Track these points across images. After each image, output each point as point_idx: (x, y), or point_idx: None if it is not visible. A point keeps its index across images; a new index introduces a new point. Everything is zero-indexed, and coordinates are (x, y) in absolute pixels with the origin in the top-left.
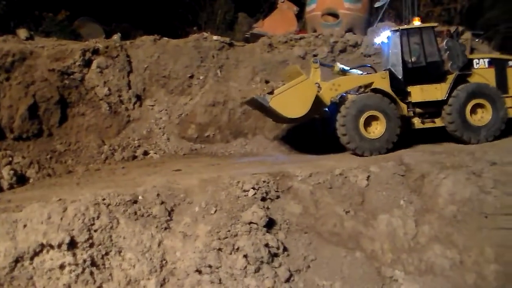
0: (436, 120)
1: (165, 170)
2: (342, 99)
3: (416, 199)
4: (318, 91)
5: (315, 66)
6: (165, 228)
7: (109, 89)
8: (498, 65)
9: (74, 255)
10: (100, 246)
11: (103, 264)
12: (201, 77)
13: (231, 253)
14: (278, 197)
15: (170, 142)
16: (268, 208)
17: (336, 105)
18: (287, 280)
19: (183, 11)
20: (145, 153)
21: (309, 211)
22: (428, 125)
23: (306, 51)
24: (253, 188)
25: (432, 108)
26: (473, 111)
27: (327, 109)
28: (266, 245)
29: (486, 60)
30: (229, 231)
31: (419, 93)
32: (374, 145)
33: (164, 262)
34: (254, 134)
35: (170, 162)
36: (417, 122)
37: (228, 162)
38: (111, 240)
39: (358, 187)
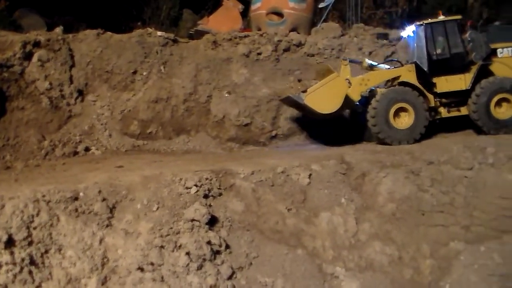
0: (462, 109)
1: (107, 167)
2: (372, 93)
3: (357, 197)
4: (349, 87)
5: (345, 63)
6: (107, 226)
7: (50, 83)
8: None
9: (12, 253)
10: (39, 244)
11: (43, 263)
12: (144, 73)
13: (173, 251)
14: (220, 194)
15: (112, 138)
16: (210, 205)
17: (366, 99)
18: (230, 278)
19: (128, 6)
20: (87, 149)
21: (251, 208)
22: (454, 113)
23: (250, 49)
24: (196, 185)
25: (457, 98)
26: (499, 104)
27: (357, 103)
28: (209, 243)
29: (510, 49)
30: (171, 228)
31: (444, 83)
32: (404, 135)
33: (105, 260)
34: (197, 131)
35: (112, 158)
36: (443, 111)
37: (170, 159)
38: (51, 238)
39: (300, 185)
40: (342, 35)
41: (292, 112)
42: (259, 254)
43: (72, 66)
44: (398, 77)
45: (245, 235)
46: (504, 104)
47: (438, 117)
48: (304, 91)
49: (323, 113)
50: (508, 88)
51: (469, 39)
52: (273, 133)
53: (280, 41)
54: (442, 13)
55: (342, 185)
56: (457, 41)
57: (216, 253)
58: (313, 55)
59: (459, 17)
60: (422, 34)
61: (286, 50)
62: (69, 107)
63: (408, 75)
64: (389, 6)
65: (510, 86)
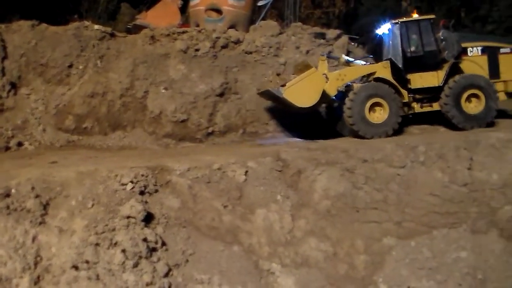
0: (434, 104)
1: (40, 162)
2: (348, 88)
3: (293, 194)
4: (326, 82)
5: (323, 59)
6: (40, 223)
7: None
8: (490, 52)
9: None
10: None
11: None
12: (80, 67)
13: (108, 248)
14: (156, 191)
15: (46, 133)
16: (146, 202)
17: (342, 94)
18: (166, 275)
19: None
20: (20, 144)
21: (187, 205)
22: (426, 109)
23: (188, 45)
24: (132, 182)
25: (430, 94)
26: (468, 99)
27: (334, 97)
28: (145, 240)
29: (479, 48)
30: (106, 225)
31: (418, 80)
32: (379, 129)
33: (38, 258)
34: (133, 127)
35: (46, 154)
36: (416, 106)
37: (105, 155)
38: None
39: (236, 182)
40: (280, 33)
41: (228, 109)
42: (195, 251)
43: (5, 57)
44: (373, 73)
45: (181, 232)
46: (474, 100)
47: (411, 112)
48: (283, 85)
49: (301, 106)
50: (477, 84)
51: (442, 38)
52: (210, 129)
53: (218, 37)
54: (417, 12)
55: (278, 182)
56: (431, 40)
57: (152, 250)
58: (251, 53)
59: (432, 16)
60: (397, 32)
61: (224, 47)
62: (1, 100)
63: (383, 71)
64: (326, 6)
65: (479, 82)
